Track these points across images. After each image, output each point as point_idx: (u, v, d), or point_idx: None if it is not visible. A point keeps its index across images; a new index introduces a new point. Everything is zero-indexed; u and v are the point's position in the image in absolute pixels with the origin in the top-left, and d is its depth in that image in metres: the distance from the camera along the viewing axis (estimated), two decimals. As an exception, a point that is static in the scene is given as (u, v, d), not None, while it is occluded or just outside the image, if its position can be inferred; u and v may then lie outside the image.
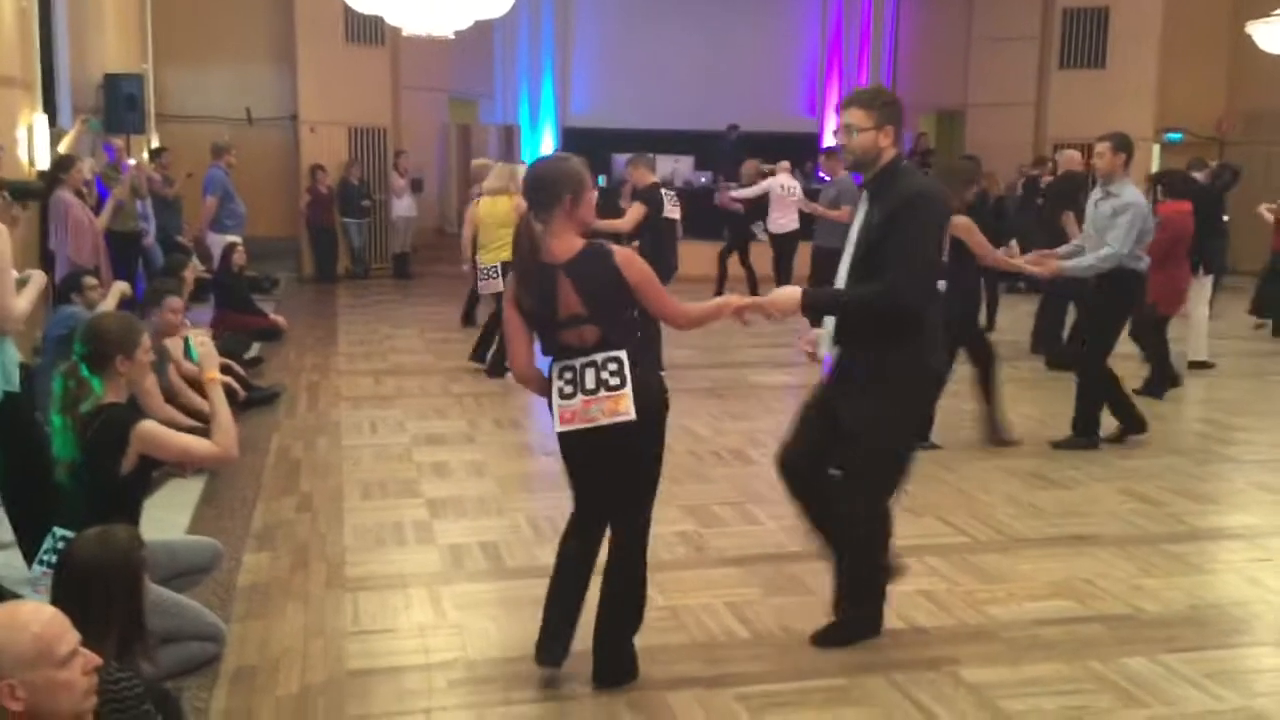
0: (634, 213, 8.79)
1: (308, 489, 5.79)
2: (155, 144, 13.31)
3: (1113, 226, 6.38)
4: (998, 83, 16.81)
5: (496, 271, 8.49)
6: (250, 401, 7.40)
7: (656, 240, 9.03)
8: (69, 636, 2.15)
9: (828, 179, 12.18)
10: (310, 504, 5.53)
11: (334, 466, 6.21)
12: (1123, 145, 6.52)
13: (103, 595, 2.68)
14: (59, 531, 3.55)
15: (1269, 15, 10.82)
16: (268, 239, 14.28)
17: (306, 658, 3.82)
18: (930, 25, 18.02)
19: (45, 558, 3.55)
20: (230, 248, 10.51)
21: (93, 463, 3.55)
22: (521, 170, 8.58)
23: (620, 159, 14.29)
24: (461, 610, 4.22)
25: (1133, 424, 6.83)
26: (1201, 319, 9.37)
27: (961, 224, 6.27)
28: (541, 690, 3.58)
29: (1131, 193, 6.46)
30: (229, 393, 4.48)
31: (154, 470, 3.87)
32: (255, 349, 9.41)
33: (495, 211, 8.61)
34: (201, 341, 3.95)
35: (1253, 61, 14.23)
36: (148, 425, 3.62)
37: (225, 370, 7.33)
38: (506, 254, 8.38)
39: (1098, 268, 6.44)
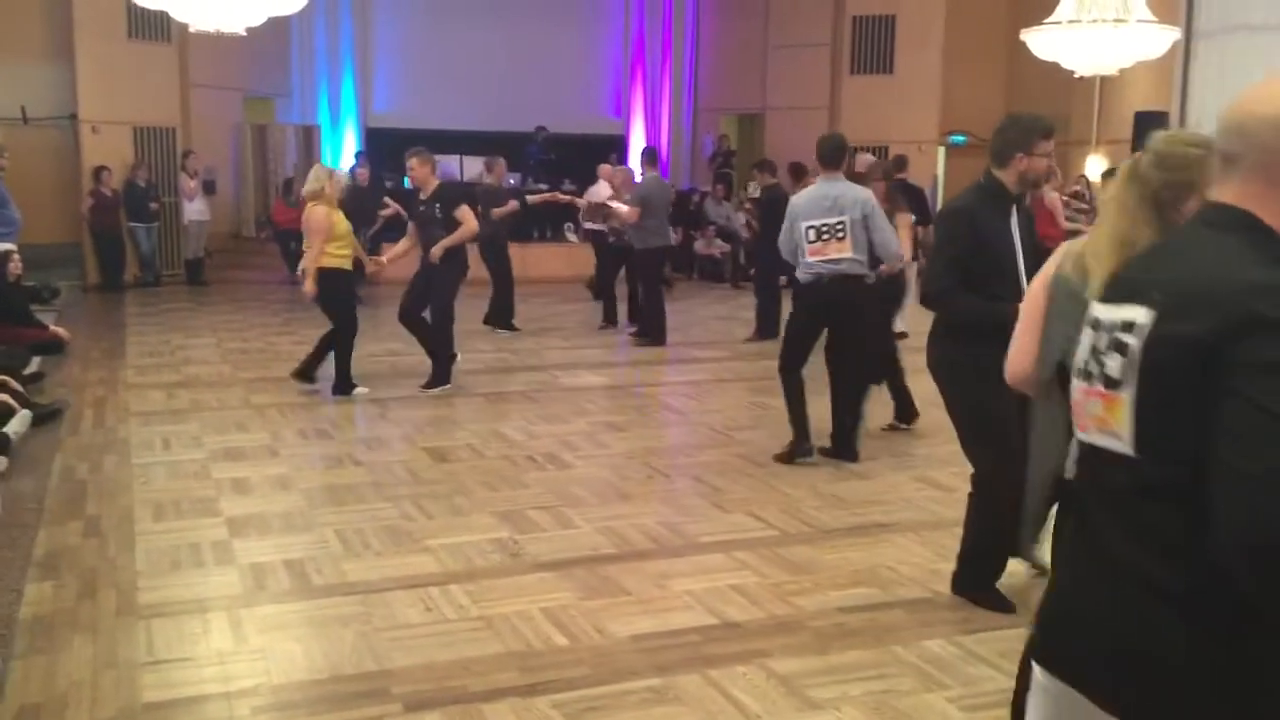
0: None
1: (95, 512, 5.45)
2: (-83, 145, 12.31)
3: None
4: (794, 87, 17.34)
5: None
6: (31, 420, 6.93)
7: None
8: None
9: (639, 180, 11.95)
10: (98, 528, 5.21)
11: (123, 487, 5.87)
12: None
13: None
14: None
15: (1041, 24, 11.49)
16: (47, 246, 13.36)
17: (97, 691, 3.59)
18: (729, 31, 18.44)
19: None
20: (5, 256, 9.84)
21: None
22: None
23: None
24: (264, 633, 4.05)
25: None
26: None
27: None
28: (350, 712, 3.47)
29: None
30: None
31: None
32: (35, 364, 8.81)
33: None
34: None
35: (1027, 67, 15.10)
36: None
37: (1, 387, 6.89)
38: None
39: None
